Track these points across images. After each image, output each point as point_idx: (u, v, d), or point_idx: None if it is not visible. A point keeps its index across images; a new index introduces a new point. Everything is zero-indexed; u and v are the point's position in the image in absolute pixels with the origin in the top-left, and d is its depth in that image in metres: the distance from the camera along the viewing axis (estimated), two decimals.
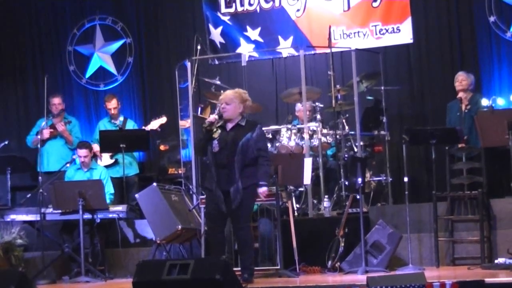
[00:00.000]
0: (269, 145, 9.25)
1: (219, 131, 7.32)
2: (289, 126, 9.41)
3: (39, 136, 9.98)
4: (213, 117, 7.31)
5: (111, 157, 10.10)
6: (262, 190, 7.30)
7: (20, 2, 11.91)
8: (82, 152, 9.39)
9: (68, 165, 9.49)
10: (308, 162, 8.57)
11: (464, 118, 8.81)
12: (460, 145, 8.55)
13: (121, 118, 10.38)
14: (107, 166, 10.03)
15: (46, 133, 10.05)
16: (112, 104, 10.31)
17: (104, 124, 10.40)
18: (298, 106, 9.87)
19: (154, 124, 9.99)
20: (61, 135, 10.19)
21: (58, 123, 10.15)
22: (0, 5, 11.88)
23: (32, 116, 10.75)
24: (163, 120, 10.01)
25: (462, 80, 8.94)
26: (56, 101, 10.21)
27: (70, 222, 8.99)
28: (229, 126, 7.33)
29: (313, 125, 9.36)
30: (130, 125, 10.39)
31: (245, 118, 7.42)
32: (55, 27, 11.84)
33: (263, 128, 9.20)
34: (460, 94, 8.89)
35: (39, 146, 9.91)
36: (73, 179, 9.38)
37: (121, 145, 9.49)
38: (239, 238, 7.40)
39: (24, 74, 11.78)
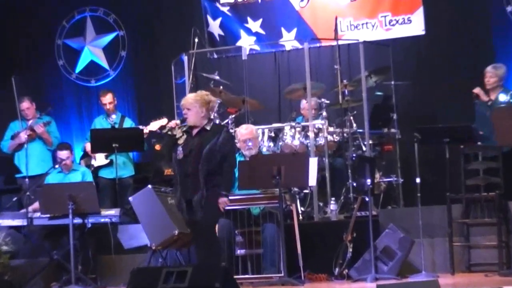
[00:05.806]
0: (271, 144, 9.26)
1: (185, 136, 7.39)
2: (293, 123, 9.38)
3: (17, 140, 9.90)
4: (174, 122, 7.38)
5: (106, 157, 10.05)
6: (222, 200, 7.37)
7: None
8: (63, 154, 9.38)
9: (56, 166, 9.48)
10: (313, 162, 8.55)
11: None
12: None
13: (114, 116, 10.33)
14: (101, 167, 10.02)
15: (24, 136, 9.90)
16: (107, 99, 10.28)
17: (100, 122, 10.39)
18: (303, 103, 9.84)
19: (154, 126, 9.87)
20: (40, 137, 10.11)
21: (35, 124, 10.00)
22: None
23: (5, 117, 10.51)
24: (163, 121, 9.83)
25: (489, 77, 8.96)
26: (24, 106, 10.05)
27: (57, 227, 8.97)
28: (195, 131, 7.41)
29: (318, 123, 9.34)
30: (128, 124, 10.36)
31: (212, 121, 7.53)
32: (42, 19, 11.80)
33: (263, 127, 9.31)
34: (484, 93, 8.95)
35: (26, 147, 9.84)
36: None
37: (113, 145, 9.46)
38: (199, 255, 7.41)
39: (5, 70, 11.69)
